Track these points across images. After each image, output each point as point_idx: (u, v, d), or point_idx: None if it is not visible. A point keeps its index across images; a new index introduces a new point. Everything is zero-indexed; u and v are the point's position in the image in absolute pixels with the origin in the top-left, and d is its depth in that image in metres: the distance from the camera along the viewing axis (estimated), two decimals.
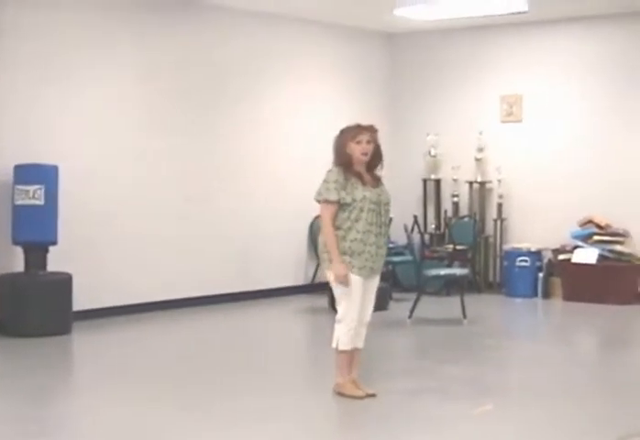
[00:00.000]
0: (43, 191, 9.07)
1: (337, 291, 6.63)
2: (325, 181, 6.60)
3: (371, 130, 6.69)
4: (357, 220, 6.54)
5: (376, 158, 6.71)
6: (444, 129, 12.61)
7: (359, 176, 6.62)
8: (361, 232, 6.55)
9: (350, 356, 6.70)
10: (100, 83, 9.99)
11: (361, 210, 6.55)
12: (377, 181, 6.72)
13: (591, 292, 11.22)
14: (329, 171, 6.64)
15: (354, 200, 6.54)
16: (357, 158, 6.61)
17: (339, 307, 6.64)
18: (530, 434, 5.89)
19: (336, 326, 6.66)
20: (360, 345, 6.77)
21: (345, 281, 6.51)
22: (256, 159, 11.55)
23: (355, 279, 6.55)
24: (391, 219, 11.22)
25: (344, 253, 6.53)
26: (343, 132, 6.70)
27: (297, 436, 5.85)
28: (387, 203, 6.71)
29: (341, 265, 6.51)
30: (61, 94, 9.69)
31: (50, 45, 9.60)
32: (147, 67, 10.40)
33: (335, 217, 6.55)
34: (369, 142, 6.63)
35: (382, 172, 6.81)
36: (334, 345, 6.66)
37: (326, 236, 6.58)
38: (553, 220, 11.89)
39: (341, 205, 6.54)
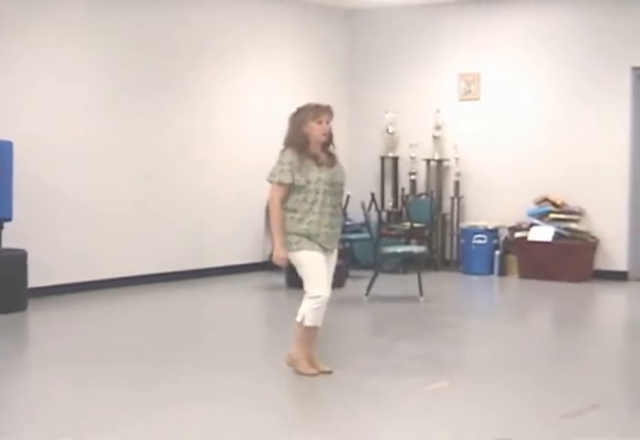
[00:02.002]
0: None
1: (305, 269, 6.58)
2: (280, 163, 6.54)
3: (330, 111, 6.65)
4: (313, 203, 6.52)
5: (330, 138, 6.67)
6: (402, 107, 12.62)
7: (315, 157, 6.56)
8: (317, 214, 6.52)
9: (314, 332, 6.70)
10: (55, 61, 9.89)
11: (317, 192, 6.52)
12: (332, 161, 6.67)
13: (547, 270, 11.31)
14: (283, 152, 6.59)
15: (308, 182, 6.50)
16: (315, 138, 6.56)
17: (308, 285, 6.58)
18: (483, 409, 5.94)
19: (304, 302, 6.61)
20: (320, 323, 6.75)
21: (283, 264, 6.63)
22: (213, 137, 11.50)
23: (316, 256, 6.54)
24: (348, 196, 11.38)
25: (300, 235, 6.52)
26: (301, 110, 6.63)
27: (252, 413, 5.85)
28: (341, 184, 6.68)
29: (282, 248, 6.54)
30: (16, 72, 9.58)
31: (5, 22, 9.48)
32: (102, 45, 10.29)
33: (284, 199, 6.53)
34: (328, 123, 6.60)
35: (335, 151, 6.77)
36: (299, 319, 6.61)
37: (274, 217, 6.56)
38: (509, 198, 11.96)
39: (295, 187, 6.51)
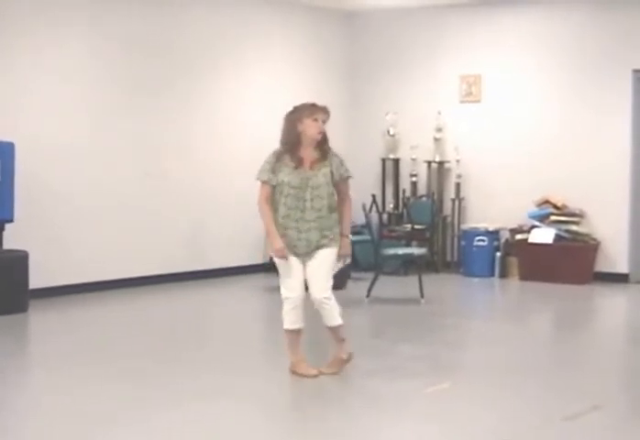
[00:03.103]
0: None
1: (279, 271, 6.67)
2: (264, 161, 6.62)
3: (326, 111, 6.63)
4: (279, 204, 6.57)
5: (324, 139, 6.64)
6: (403, 109, 12.62)
7: (298, 159, 6.55)
8: (281, 216, 6.57)
9: (297, 335, 6.72)
10: (56, 62, 9.90)
11: (281, 193, 6.55)
12: (323, 159, 6.61)
13: (548, 272, 11.30)
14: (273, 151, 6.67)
15: (278, 183, 6.55)
16: (310, 136, 6.54)
17: (281, 287, 6.69)
18: (484, 411, 5.94)
19: (283, 306, 6.71)
20: (329, 323, 6.71)
21: (282, 255, 6.55)
22: (214, 138, 11.51)
23: (289, 258, 6.58)
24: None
25: None
26: (297, 109, 6.62)
27: (252, 414, 5.86)
28: (315, 187, 6.56)
29: (277, 239, 6.54)
30: (19, 73, 9.60)
31: (5, 23, 9.49)
32: (104, 46, 10.31)
33: (271, 197, 6.59)
34: (324, 122, 6.59)
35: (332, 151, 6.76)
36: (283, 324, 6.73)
37: (261, 214, 6.61)
38: (510, 200, 11.95)
39: (271, 186, 6.58)
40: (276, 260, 6.63)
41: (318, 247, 6.63)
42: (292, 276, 6.59)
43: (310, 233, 6.58)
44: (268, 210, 6.57)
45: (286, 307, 6.66)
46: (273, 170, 6.53)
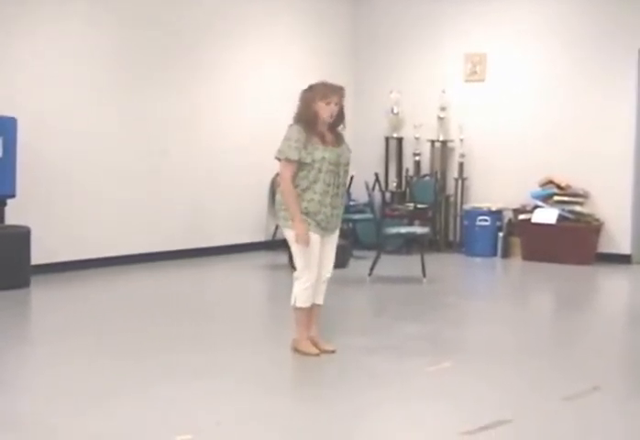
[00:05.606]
0: (1, 143, 8.97)
1: (295, 248, 6.60)
2: (287, 139, 6.48)
3: (341, 92, 6.58)
4: (315, 181, 6.48)
5: (339, 118, 6.62)
6: (407, 87, 12.59)
7: (321, 135, 6.53)
8: (319, 193, 6.49)
9: (309, 313, 6.71)
10: (59, 37, 9.87)
11: (319, 171, 6.47)
12: (338, 141, 6.63)
13: (550, 252, 11.30)
14: (290, 127, 6.53)
15: (313, 160, 6.45)
16: (322, 118, 6.51)
17: (297, 264, 6.63)
18: (484, 391, 5.93)
19: (294, 283, 6.66)
20: (320, 301, 6.78)
21: (306, 241, 6.48)
22: (216, 115, 11.49)
23: (312, 237, 6.52)
24: (352, 177, 11.36)
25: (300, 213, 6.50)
26: (312, 89, 6.57)
27: (254, 391, 5.85)
28: (346, 164, 6.63)
29: (302, 224, 6.45)
30: (21, 47, 9.55)
31: None
32: (106, 21, 10.26)
33: (295, 176, 6.49)
34: (336, 104, 6.54)
35: (344, 131, 6.73)
36: (292, 302, 6.66)
37: (287, 195, 6.49)
38: (514, 180, 11.94)
39: (300, 165, 6.48)
40: (303, 241, 6.51)
41: (338, 226, 6.73)
42: (315, 255, 6.55)
43: (339, 209, 6.66)
44: (294, 192, 6.47)
45: (303, 285, 6.58)
46: (305, 148, 6.43)
